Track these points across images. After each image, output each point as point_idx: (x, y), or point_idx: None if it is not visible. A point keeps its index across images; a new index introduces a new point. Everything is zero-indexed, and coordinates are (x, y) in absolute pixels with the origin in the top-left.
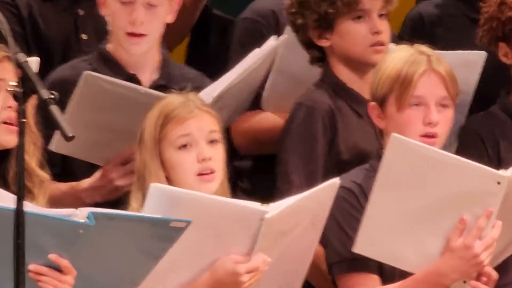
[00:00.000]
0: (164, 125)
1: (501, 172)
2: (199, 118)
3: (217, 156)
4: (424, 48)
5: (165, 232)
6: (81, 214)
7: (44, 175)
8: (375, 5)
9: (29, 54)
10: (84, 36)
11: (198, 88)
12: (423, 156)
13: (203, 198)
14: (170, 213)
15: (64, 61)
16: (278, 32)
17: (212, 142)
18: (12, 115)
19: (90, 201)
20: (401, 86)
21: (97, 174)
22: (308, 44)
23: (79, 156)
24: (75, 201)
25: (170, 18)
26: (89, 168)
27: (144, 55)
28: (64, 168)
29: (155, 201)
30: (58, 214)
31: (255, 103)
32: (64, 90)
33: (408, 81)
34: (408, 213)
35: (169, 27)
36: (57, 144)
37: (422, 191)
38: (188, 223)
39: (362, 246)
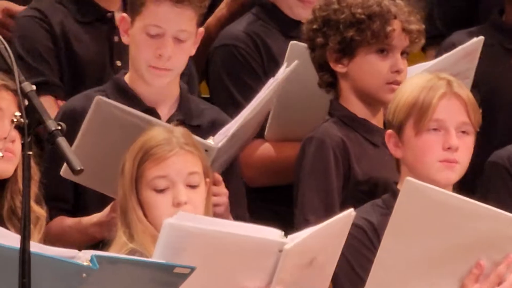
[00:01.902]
0: (142, 163)
1: None
2: (179, 158)
3: (195, 200)
4: (444, 74)
5: (168, 278)
6: (84, 257)
7: (40, 211)
8: (402, 43)
9: (62, 71)
10: (118, 63)
11: (212, 122)
12: (439, 201)
13: (218, 233)
14: (184, 250)
15: (98, 86)
16: (260, 54)
17: (190, 186)
18: (9, 145)
19: (99, 236)
20: (420, 110)
21: (106, 210)
22: (321, 66)
23: (87, 185)
24: (82, 236)
25: (193, 52)
26: (102, 203)
27: (164, 88)
28: (77, 203)
29: (167, 237)
30: (61, 255)
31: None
32: (76, 120)
33: (427, 104)
34: (421, 259)
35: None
36: (66, 170)
37: (437, 236)
38: (192, 269)
39: None
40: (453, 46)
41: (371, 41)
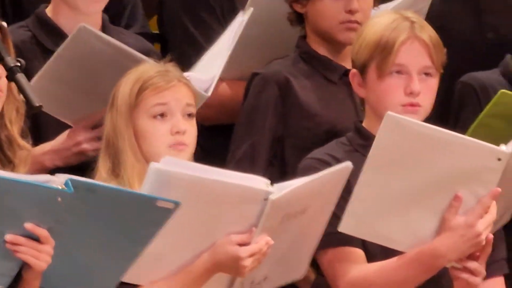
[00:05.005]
0: (141, 91)
1: (503, 148)
2: (177, 89)
3: (191, 130)
4: (409, 13)
5: (152, 213)
6: (58, 181)
7: (26, 144)
8: None
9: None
10: None
11: (137, 51)
12: (420, 134)
13: (203, 180)
14: (168, 195)
15: None
16: None
17: (187, 115)
18: None
19: (50, 164)
20: (382, 53)
21: (60, 137)
22: (290, 4)
23: (48, 110)
24: (33, 165)
25: None
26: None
27: (87, 19)
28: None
29: (153, 182)
30: (34, 180)
31: None
32: None
33: (389, 48)
34: (400, 192)
35: None
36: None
37: (417, 170)
38: (177, 204)
39: (349, 225)
40: None
41: None
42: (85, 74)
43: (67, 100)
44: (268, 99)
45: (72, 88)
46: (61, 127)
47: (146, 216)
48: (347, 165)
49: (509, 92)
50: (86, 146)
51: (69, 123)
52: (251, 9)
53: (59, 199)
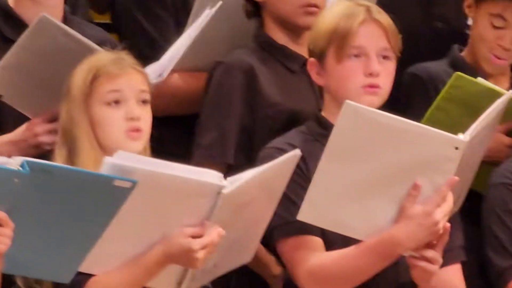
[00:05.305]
0: (95, 79)
1: (460, 136)
2: (130, 76)
3: (146, 116)
4: (363, 1)
5: (109, 193)
6: (14, 162)
7: None
8: None
9: None
10: None
11: (98, 42)
12: (378, 123)
13: (158, 174)
14: None
15: None
16: None
17: (141, 101)
18: None
19: (6, 156)
20: (340, 37)
21: (19, 129)
22: None
23: (8, 101)
24: None
25: None
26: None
27: (48, 10)
28: None
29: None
30: None
31: None
32: None
33: (347, 31)
34: (359, 181)
35: None
36: None
37: (376, 159)
38: (134, 183)
39: (307, 214)
40: None
41: None
42: (46, 65)
43: (27, 92)
44: (233, 86)
45: (33, 79)
46: (21, 119)
47: (104, 197)
48: (296, 153)
49: (464, 75)
50: (43, 138)
51: (29, 115)
52: (220, 2)
53: (16, 180)
